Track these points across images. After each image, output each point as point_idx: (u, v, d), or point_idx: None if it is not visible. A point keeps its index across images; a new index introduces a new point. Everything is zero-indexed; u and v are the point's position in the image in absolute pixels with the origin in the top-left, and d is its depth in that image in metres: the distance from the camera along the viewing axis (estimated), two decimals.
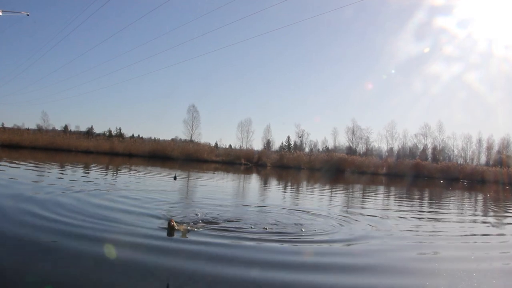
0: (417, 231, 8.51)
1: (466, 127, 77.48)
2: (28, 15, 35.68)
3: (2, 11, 31.49)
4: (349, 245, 6.34)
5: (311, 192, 18.90)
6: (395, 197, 19.44)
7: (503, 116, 70.65)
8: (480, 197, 23.43)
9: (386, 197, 18.82)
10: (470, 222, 11.11)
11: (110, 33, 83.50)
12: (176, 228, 6.00)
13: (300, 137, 63.11)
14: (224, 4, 53.49)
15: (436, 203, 18.03)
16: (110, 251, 4.66)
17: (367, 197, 18.14)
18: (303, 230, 7.03)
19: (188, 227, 6.21)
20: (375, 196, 18.96)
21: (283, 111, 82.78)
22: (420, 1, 59.33)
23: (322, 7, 70.91)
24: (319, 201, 14.07)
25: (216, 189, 16.07)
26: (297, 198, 14.97)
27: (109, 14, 76.54)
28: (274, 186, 21.86)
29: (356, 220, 8.87)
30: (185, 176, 22.07)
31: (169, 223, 6.04)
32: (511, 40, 62.16)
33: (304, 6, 68.30)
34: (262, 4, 70.55)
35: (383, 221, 9.45)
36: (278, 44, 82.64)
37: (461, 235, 8.34)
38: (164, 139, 59.51)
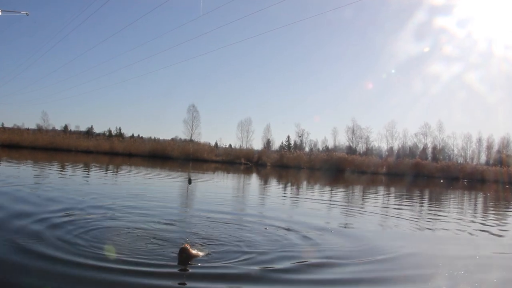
0: None
1: (466, 127, 77.68)
2: (27, 14, 35.56)
3: (2, 10, 31.42)
4: None
5: (311, 192, 18.87)
6: (409, 199, 19.40)
7: (503, 115, 70.71)
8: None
9: (392, 198, 18.80)
10: None
11: (109, 33, 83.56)
12: (193, 253, 4.83)
13: (300, 136, 63.14)
14: (223, 3, 53.42)
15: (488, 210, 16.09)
16: None
17: (391, 199, 18.10)
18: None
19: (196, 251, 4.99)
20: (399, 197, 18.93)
21: (283, 110, 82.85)
22: (420, 1, 59.34)
23: (322, 7, 70.85)
24: (328, 204, 14.03)
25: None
26: (298, 200, 14.93)
27: (109, 14, 76.53)
28: (294, 189, 21.82)
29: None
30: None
31: (184, 250, 4.78)
32: (511, 40, 62.10)
33: (304, 5, 68.28)
34: (262, 4, 70.60)
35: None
36: (278, 43, 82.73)
37: None
38: (164, 139, 59.57)
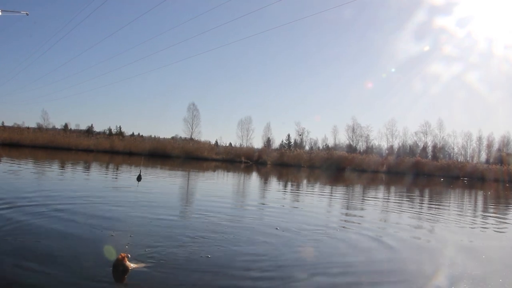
0: None
1: (466, 125, 77.59)
2: (27, 14, 35.47)
3: (2, 10, 31.34)
4: None
5: (312, 191, 18.83)
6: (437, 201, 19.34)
7: (504, 114, 70.65)
8: None
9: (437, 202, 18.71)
10: None
11: (110, 32, 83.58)
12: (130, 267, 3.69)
13: (300, 135, 63.13)
14: (224, 2, 53.43)
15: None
16: None
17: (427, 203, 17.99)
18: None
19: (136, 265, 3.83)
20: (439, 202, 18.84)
21: (283, 109, 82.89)
22: (420, 0, 59.18)
23: (322, 6, 70.75)
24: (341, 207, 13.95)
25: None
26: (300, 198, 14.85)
27: (109, 12, 76.53)
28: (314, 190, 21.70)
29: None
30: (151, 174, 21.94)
31: (120, 262, 3.61)
32: (511, 40, 61.97)
33: (304, 4, 68.22)
34: (262, 2, 70.46)
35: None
36: (278, 42, 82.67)
37: None
38: (164, 138, 59.59)
